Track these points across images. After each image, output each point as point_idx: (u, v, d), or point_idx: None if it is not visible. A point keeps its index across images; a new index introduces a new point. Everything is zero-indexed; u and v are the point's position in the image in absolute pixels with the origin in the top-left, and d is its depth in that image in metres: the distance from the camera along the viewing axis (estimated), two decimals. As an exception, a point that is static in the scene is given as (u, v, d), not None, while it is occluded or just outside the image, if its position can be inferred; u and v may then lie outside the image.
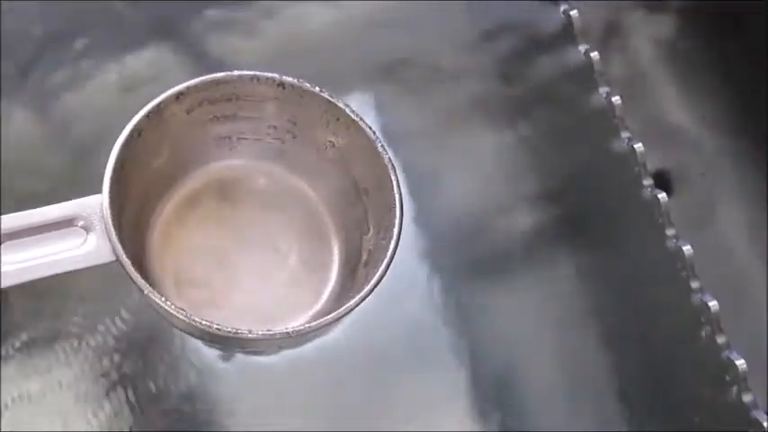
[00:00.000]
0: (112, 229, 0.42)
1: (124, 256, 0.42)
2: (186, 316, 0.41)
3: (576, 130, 0.54)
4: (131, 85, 0.53)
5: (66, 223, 0.42)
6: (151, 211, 0.47)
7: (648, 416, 0.49)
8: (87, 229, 0.42)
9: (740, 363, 0.45)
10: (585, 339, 0.51)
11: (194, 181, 0.48)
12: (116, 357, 0.48)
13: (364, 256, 0.46)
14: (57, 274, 0.42)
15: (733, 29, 0.57)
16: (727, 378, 0.45)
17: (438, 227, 0.53)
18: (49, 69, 0.53)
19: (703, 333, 0.46)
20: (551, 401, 0.50)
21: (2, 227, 0.42)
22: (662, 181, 0.55)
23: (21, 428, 0.47)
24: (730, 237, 0.55)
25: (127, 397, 0.48)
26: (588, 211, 0.54)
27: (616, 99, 0.51)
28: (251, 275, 0.48)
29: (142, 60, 0.54)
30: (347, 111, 0.46)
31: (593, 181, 0.54)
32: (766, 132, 0.55)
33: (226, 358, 0.49)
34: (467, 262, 0.53)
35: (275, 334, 0.42)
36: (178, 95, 0.45)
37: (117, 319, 0.49)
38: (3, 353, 0.47)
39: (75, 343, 0.48)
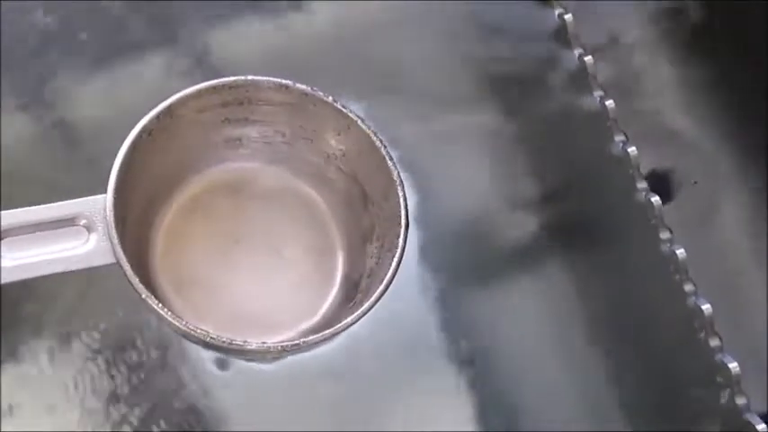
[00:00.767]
0: (114, 231, 0.41)
1: (124, 259, 0.41)
2: (182, 323, 0.41)
3: (571, 134, 0.54)
4: (135, 88, 0.53)
5: (67, 222, 0.42)
6: (157, 211, 0.47)
7: (645, 417, 0.50)
8: (89, 228, 0.42)
9: (733, 366, 0.45)
10: (582, 341, 0.52)
11: (201, 183, 0.48)
12: (116, 360, 0.48)
13: (368, 267, 0.46)
14: (56, 273, 0.42)
15: (733, 29, 0.58)
16: (721, 381, 0.45)
17: (435, 230, 0.53)
18: (51, 71, 0.53)
19: (697, 336, 0.46)
20: (550, 402, 0.50)
21: (3, 222, 0.41)
22: (663, 183, 0.55)
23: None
24: (730, 238, 0.55)
25: (122, 400, 0.48)
26: (584, 214, 0.54)
27: (610, 103, 0.51)
28: (254, 280, 0.48)
29: (147, 63, 0.54)
30: (358, 121, 0.46)
31: (588, 184, 0.54)
32: (766, 133, 0.56)
33: (222, 362, 0.49)
34: (465, 265, 0.53)
35: (270, 347, 0.42)
36: (189, 98, 0.45)
37: (117, 323, 0.49)
38: (3, 357, 0.47)
39: (72, 348, 0.48)
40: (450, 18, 0.56)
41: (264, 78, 0.46)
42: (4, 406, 0.47)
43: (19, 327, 0.48)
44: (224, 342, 0.41)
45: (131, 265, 0.41)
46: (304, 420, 0.48)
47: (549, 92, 0.55)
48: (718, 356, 0.46)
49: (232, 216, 0.48)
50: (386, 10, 0.56)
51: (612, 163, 0.50)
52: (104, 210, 0.42)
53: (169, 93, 0.44)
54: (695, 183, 0.55)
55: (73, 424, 0.47)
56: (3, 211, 0.41)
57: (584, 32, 0.53)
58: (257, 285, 0.47)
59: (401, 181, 0.45)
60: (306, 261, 0.48)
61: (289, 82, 0.46)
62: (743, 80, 0.57)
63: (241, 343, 0.41)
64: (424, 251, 0.52)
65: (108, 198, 0.42)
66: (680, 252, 0.47)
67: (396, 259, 0.43)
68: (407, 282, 0.51)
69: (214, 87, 0.45)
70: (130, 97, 0.52)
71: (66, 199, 0.42)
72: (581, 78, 0.52)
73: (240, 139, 0.48)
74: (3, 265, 0.41)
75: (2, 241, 0.41)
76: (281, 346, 0.42)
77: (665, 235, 0.48)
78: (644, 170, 0.49)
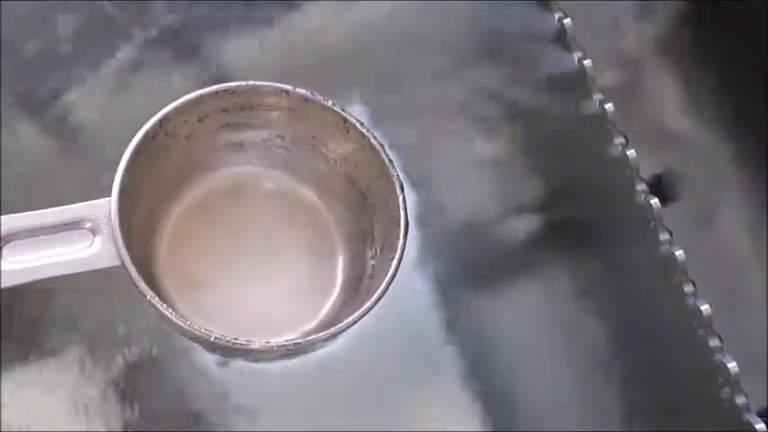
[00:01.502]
0: (119, 233, 0.42)
1: (129, 261, 0.42)
2: (187, 324, 0.41)
3: (571, 137, 0.54)
4: (138, 93, 0.53)
5: (73, 225, 0.43)
6: (160, 214, 0.48)
7: (645, 417, 0.50)
8: (94, 231, 0.43)
9: (732, 365, 0.45)
10: (582, 342, 0.52)
11: (204, 186, 0.49)
12: (117, 361, 0.49)
13: (368, 270, 0.47)
14: (61, 276, 0.42)
15: (732, 30, 0.58)
16: (720, 380, 0.46)
17: (436, 232, 0.53)
18: (55, 75, 0.53)
19: (697, 336, 0.47)
20: (550, 402, 0.51)
21: (8, 226, 0.42)
22: (664, 184, 0.56)
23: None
24: (730, 239, 0.55)
25: (126, 400, 0.48)
26: (584, 215, 0.54)
27: (609, 106, 0.51)
28: (256, 283, 0.48)
29: (149, 69, 0.54)
30: (358, 125, 0.46)
31: (588, 186, 0.54)
32: (766, 133, 0.56)
33: (226, 363, 0.49)
34: (465, 268, 0.53)
35: (273, 346, 0.42)
36: (191, 103, 0.45)
37: (117, 323, 0.49)
38: (3, 358, 0.47)
39: (73, 348, 0.48)
40: (450, 20, 0.57)
41: (265, 83, 0.46)
42: (4, 405, 0.47)
43: (22, 328, 0.48)
44: (228, 342, 0.41)
45: (135, 268, 0.42)
46: (304, 420, 0.49)
47: (548, 95, 0.56)
48: (718, 356, 0.46)
49: (234, 220, 0.49)
50: (385, 16, 0.57)
51: (612, 165, 0.50)
52: (109, 213, 0.42)
53: (172, 98, 0.45)
54: (704, 176, 0.56)
55: (73, 425, 0.47)
56: (7, 216, 0.42)
57: (583, 36, 0.53)
58: (259, 288, 0.48)
59: (401, 184, 0.46)
60: (307, 264, 0.49)
61: (289, 87, 0.46)
62: (743, 81, 0.57)
63: (245, 342, 0.42)
64: (425, 253, 0.52)
65: (113, 201, 0.42)
66: (679, 253, 0.47)
67: (396, 260, 0.44)
68: (408, 283, 0.51)
69: (216, 93, 0.46)
70: (134, 102, 0.53)
71: (70, 203, 0.43)
72: (580, 81, 0.52)
73: (242, 144, 0.49)
74: (3, 268, 0.42)
75: (6, 245, 0.42)
76: (284, 346, 0.42)
77: (664, 236, 0.48)
78: (644, 172, 0.49)
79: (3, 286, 0.42)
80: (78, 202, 0.43)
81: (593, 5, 0.58)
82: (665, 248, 0.48)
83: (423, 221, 0.52)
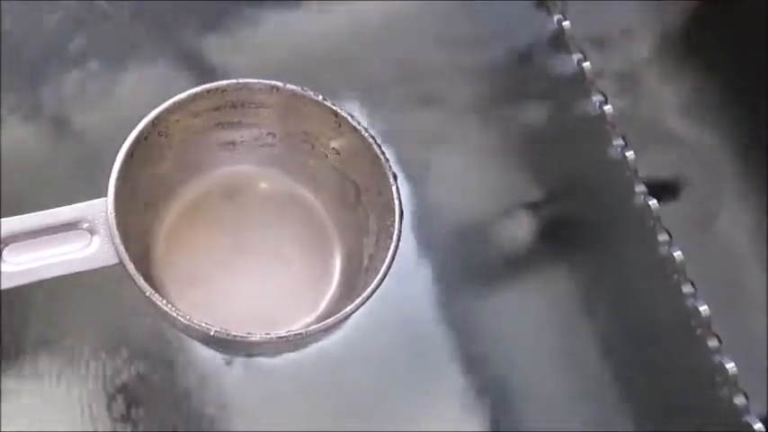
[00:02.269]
0: (116, 232, 0.42)
1: (127, 259, 0.42)
2: (187, 319, 0.42)
3: (570, 138, 0.54)
4: (133, 92, 0.54)
5: (71, 225, 0.43)
6: (156, 214, 0.48)
7: (644, 417, 0.50)
8: (92, 231, 0.43)
9: (730, 366, 0.45)
10: (582, 342, 0.52)
11: (198, 185, 0.49)
12: (118, 361, 0.49)
13: (365, 261, 0.47)
14: (60, 276, 0.42)
15: (732, 31, 0.58)
16: (719, 381, 0.46)
17: (435, 233, 0.53)
18: (51, 76, 0.53)
19: (695, 337, 0.47)
20: (549, 402, 0.51)
21: (8, 229, 0.42)
22: (665, 185, 0.56)
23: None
24: (730, 239, 0.55)
25: (128, 399, 0.48)
26: (583, 216, 0.54)
27: (608, 108, 0.51)
28: (253, 279, 0.48)
29: (143, 68, 0.54)
30: (349, 119, 0.47)
31: (588, 188, 0.54)
32: (766, 134, 0.56)
33: (227, 361, 0.49)
34: (463, 266, 0.53)
35: (273, 338, 0.43)
36: (183, 103, 0.45)
37: (118, 323, 0.49)
38: (3, 358, 0.48)
39: (77, 348, 0.49)
40: (449, 21, 0.57)
41: (255, 80, 0.46)
42: (4, 405, 0.47)
43: (22, 328, 0.48)
44: (228, 335, 0.42)
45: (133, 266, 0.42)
46: (304, 420, 0.49)
47: (548, 96, 0.56)
48: (716, 357, 0.46)
49: (230, 218, 0.49)
50: (384, 17, 0.57)
51: (611, 166, 0.51)
52: (106, 212, 0.42)
53: (166, 97, 0.45)
54: (694, 185, 0.56)
55: (76, 425, 0.47)
56: (6, 219, 0.42)
57: (582, 37, 0.54)
58: (257, 285, 0.48)
59: (394, 174, 0.46)
60: (304, 259, 0.49)
61: (279, 83, 0.46)
62: (742, 82, 0.57)
63: (245, 335, 0.42)
64: (424, 253, 0.52)
65: (109, 201, 0.43)
66: (677, 254, 0.47)
67: (392, 248, 0.44)
68: (408, 283, 0.51)
69: (207, 91, 0.46)
70: (129, 102, 0.53)
71: (67, 203, 0.43)
72: (579, 83, 0.53)
73: (234, 143, 0.49)
74: (3, 270, 0.42)
75: (6, 247, 0.42)
76: (284, 337, 0.43)
77: (663, 237, 0.48)
78: (642, 173, 0.50)
79: (3, 288, 0.42)
80: (75, 202, 0.43)
81: (593, 7, 0.58)
82: (663, 249, 0.48)
83: (422, 222, 0.52)
